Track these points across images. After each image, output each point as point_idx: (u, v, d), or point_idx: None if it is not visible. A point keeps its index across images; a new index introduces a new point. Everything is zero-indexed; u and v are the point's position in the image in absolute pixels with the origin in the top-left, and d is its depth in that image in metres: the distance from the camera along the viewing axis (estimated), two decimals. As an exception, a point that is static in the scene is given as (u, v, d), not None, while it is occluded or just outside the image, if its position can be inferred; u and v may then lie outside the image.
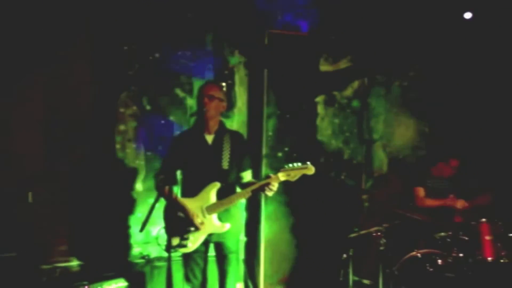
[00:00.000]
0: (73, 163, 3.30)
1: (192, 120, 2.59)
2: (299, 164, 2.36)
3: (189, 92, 3.60)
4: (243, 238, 3.68)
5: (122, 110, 3.47)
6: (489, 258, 2.97)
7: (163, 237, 2.48)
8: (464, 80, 4.05)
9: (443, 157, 3.56)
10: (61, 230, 3.24)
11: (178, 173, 2.61)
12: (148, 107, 3.52)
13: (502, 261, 2.97)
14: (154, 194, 2.37)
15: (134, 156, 3.49)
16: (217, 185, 2.45)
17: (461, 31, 3.92)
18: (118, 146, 3.45)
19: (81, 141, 3.31)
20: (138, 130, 3.49)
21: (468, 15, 3.83)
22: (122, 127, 3.46)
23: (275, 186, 2.35)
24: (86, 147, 3.33)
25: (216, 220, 2.45)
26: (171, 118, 3.57)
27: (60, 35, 3.23)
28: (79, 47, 3.31)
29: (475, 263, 2.98)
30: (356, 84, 3.99)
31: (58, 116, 3.26)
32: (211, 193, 2.45)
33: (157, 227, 2.57)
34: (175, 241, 2.43)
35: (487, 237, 3.00)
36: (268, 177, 2.40)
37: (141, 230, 2.18)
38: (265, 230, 3.63)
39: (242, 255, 3.66)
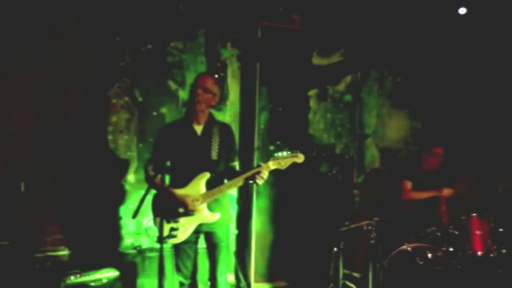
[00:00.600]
0: (64, 153, 3.29)
1: (185, 110, 2.58)
2: (289, 152, 2.37)
3: (181, 84, 3.59)
4: (234, 231, 3.69)
5: (114, 101, 3.46)
6: (479, 253, 3.00)
7: (153, 228, 2.48)
8: (457, 75, 4.07)
9: (425, 148, 3.58)
10: (53, 220, 3.24)
11: (168, 163, 2.60)
12: (140, 99, 3.52)
13: (491, 255, 2.99)
14: (145, 186, 2.37)
15: (125, 147, 3.49)
16: (206, 175, 2.45)
17: (454, 26, 3.93)
18: (110, 137, 3.45)
19: (73, 132, 3.31)
20: (130, 121, 3.49)
21: (462, 11, 3.84)
22: (114, 118, 3.45)
23: (265, 174, 2.36)
24: (78, 138, 3.32)
25: (206, 210, 2.45)
26: (163, 110, 3.57)
27: (53, 25, 3.21)
28: (71, 38, 3.30)
29: (465, 257, 3.00)
30: (349, 78, 3.99)
31: (49, 107, 3.25)
32: (201, 183, 2.45)
33: (147, 218, 2.56)
34: (165, 231, 2.42)
35: (477, 232, 3.03)
36: (258, 166, 2.40)
37: (134, 217, 2.17)
38: (256, 223, 3.64)
39: (233, 248, 3.68)
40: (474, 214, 3.06)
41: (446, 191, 3.43)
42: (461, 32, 3.95)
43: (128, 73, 3.46)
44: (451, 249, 3.03)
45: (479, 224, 3.03)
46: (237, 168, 2.62)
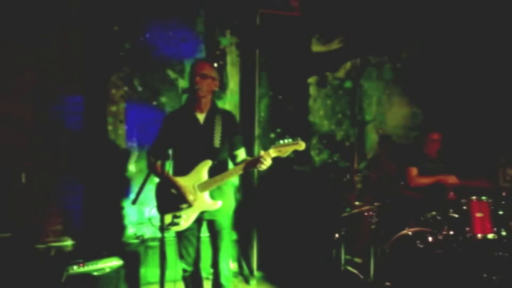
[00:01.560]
0: (65, 144, 3.29)
1: (184, 97, 2.56)
2: (290, 140, 2.35)
3: (181, 73, 3.57)
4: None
5: (113, 91, 3.44)
6: (479, 235, 3.01)
7: (156, 217, 2.49)
8: (456, 61, 4.06)
9: (423, 135, 3.59)
10: (55, 211, 3.25)
11: (170, 151, 2.60)
12: (139, 88, 3.50)
13: (491, 237, 3.01)
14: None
15: (126, 137, 3.48)
16: (208, 163, 2.45)
17: (454, 11, 3.91)
18: (110, 127, 3.44)
19: (74, 122, 3.29)
20: (130, 111, 3.48)
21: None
22: (113, 108, 3.44)
23: (267, 161, 2.34)
24: (78, 128, 3.31)
25: (208, 197, 2.46)
26: (163, 99, 3.56)
27: (52, 16, 3.18)
28: (70, 28, 3.26)
29: (465, 240, 3.02)
30: (348, 65, 3.98)
31: (49, 97, 3.23)
32: (203, 171, 2.45)
33: (150, 208, 2.57)
34: (168, 219, 2.43)
35: (477, 214, 3.04)
36: (259, 155, 2.39)
37: (133, 203, 2.17)
38: (258, 210, 3.66)
39: (235, 236, 3.70)
40: (474, 197, 3.07)
41: (451, 179, 3.42)
42: (461, 18, 3.92)
43: (127, 62, 3.44)
44: (451, 232, 3.05)
45: (478, 207, 3.04)
46: (244, 155, 2.60)
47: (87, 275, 2.83)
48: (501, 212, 3.10)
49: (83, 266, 2.84)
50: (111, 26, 3.37)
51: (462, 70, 4.07)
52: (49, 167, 3.23)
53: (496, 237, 3.01)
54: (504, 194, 3.19)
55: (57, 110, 3.26)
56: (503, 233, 3.04)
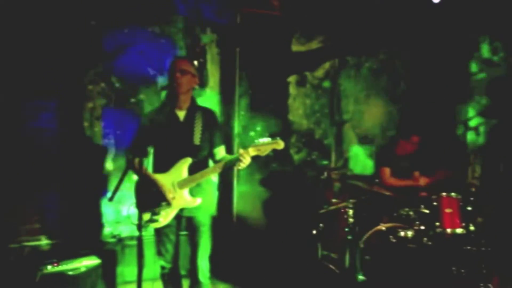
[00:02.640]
0: (40, 141, 3.20)
1: (163, 93, 2.55)
2: (269, 139, 2.38)
3: (160, 69, 3.54)
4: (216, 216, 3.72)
5: (90, 87, 3.37)
6: (448, 230, 3.13)
7: (135, 215, 2.47)
8: (432, 62, 4.19)
9: (404, 135, 3.71)
10: (29, 210, 3.17)
11: (149, 149, 2.58)
12: (117, 85, 3.45)
13: (460, 232, 3.15)
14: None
15: (102, 134, 3.42)
16: (188, 160, 2.45)
17: (430, 14, 4.04)
18: (86, 124, 3.37)
19: (49, 119, 3.21)
20: (107, 108, 3.42)
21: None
22: (90, 105, 3.38)
23: (246, 160, 2.37)
24: (53, 124, 3.23)
25: (188, 195, 2.45)
26: (141, 96, 3.52)
27: (26, 9, 3.08)
28: (46, 22, 3.17)
29: (435, 235, 3.14)
30: (327, 65, 4.06)
31: (22, 93, 3.13)
32: (183, 169, 2.45)
33: (127, 206, 2.55)
34: (146, 216, 2.42)
35: (447, 210, 3.16)
36: (239, 153, 2.41)
37: (110, 199, 2.15)
38: (237, 208, 3.68)
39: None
40: (444, 193, 3.20)
41: (422, 180, 3.56)
42: (436, 20, 4.06)
43: (104, 58, 3.38)
44: (422, 227, 3.16)
45: (448, 203, 3.16)
46: (224, 152, 2.61)
47: (62, 275, 2.77)
48: (469, 208, 3.23)
49: (57, 265, 2.78)
50: (87, 21, 3.30)
51: (435, 70, 4.22)
52: (23, 165, 3.13)
53: (464, 231, 3.13)
54: (472, 190, 3.34)
55: (30, 106, 3.17)
56: (471, 228, 3.17)
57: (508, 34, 3.74)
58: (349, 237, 3.22)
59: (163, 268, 2.62)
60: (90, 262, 2.89)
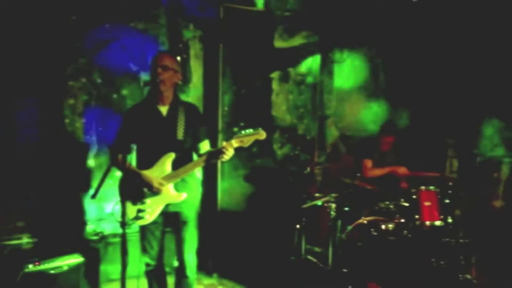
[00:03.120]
0: (21, 138, 3.13)
1: (146, 90, 2.53)
2: (251, 130, 2.40)
3: (142, 65, 3.50)
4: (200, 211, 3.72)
5: (71, 83, 3.31)
6: (427, 222, 3.22)
7: (119, 213, 2.45)
8: (415, 59, 4.28)
9: (382, 133, 3.80)
10: (10, 208, 3.10)
11: (133, 145, 2.56)
12: (98, 80, 3.40)
13: (438, 224, 3.25)
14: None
15: (84, 130, 3.37)
16: (172, 155, 2.45)
17: (410, 12, 4.12)
18: (67, 120, 3.32)
19: (29, 115, 3.14)
20: (89, 104, 3.37)
21: (415, -2, 4.04)
22: (71, 101, 3.32)
23: (229, 151, 2.38)
24: (34, 121, 3.17)
25: (173, 190, 2.46)
26: (124, 92, 3.48)
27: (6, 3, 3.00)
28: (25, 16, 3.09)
29: (414, 227, 3.23)
30: (309, 61, 4.09)
31: (3, 89, 3.05)
32: (167, 164, 2.44)
33: (111, 204, 2.53)
34: (132, 213, 2.41)
35: (426, 203, 3.26)
36: (222, 146, 2.43)
37: (93, 197, 2.13)
38: (221, 203, 3.69)
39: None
40: (422, 187, 3.29)
41: (402, 170, 3.65)
42: (417, 18, 4.14)
43: (85, 53, 3.33)
44: (402, 220, 3.25)
45: (427, 196, 3.26)
46: (209, 147, 2.61)
47: (44, 274, 2.73)
48: (447, 201, 3.34)
49: (39, 264, 2.74)
50: (68, 15, 3.23)
51: (416, 67, 4.31)
52: (2, 163, 3.06)
53: (443, 224, 3.24)
54: (450, 184, 3.45)
55: (8, 102, 3.09)
56: (449, 220, 3.28)
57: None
58: (332, 231, 3.28)
59: (147, 265, 2.62)
60: (72, 260, 2.85)
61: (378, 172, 3.71)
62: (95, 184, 3.36)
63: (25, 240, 3.10)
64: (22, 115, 3.15)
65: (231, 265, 3.69)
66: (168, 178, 2.43)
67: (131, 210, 2.42)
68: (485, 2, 3.71)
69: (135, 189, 2.40)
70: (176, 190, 2.46)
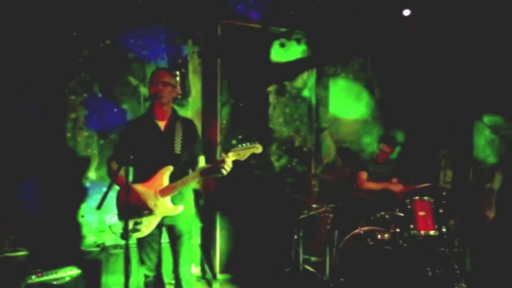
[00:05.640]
0: (21, 151, 3.21)
1: (147, 105, 2.61)
2: (248, 144, 2.45)
3: (142, 80, 3.61)
4: (199, 224, 3.78)
5: (72, 97, 3.41)
6: (422, 232, 3.28)
7: (117, 225, 2.50)
8: (406, 73, 4.39)
9: (381, 142, 3.86)
10: (10, 220, 3.16)
11: (132, 158, 2.62)
12: (99, 95, 3.49)
13: (433, 234, 3.30)
14: (108, 182, 2.35)
15: (86, 144, 3.46)
16: (170, 168, 2.50)
17: (402, 26, 4.24)
18: (68, 134, 3.40)
19: (31, 129, 3.23)
20: (90, 118, 3.46)
21: (406, 12, 4.17)
22: (72, 115, 3.41)
23: (227, 165, 2.41)
24: (35, 135, 3.25)
25: (169, 203, 2.51)
26: (124, 106, 3.57)
27: (8, 19, 3.11)
28: (27, 32, 3.20)
29: (409, 237, 3.28)
30: (305, 75, 4.19)
31: (4, 103, 3.14)
32: (164, 177, 2.50)
33: (110, 215, 2.58)
34: (129, 226, 2.46)
35: (420, 213, 3.31)
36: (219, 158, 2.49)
37: (98, 208, 2.17)
38: (220, 215, 3.75)
39: (198, 240, 3.76)
40: (417, 197, 3.35)
41: (397, 188, 3.71)
42: (409, 32, 4.26)
43: (86, 68, 3.43)
44: (398, 230, 3.30)
45: (421, 206, 3.32)
46: (204, 162, 2.66)
47: (47, 285, 2.78)
48: (441, 211, 3.40)
49: (42, 276, 2.79)
50: (69, 32, 3.35)
51: (407, 81, 4.42)
52: (4, 175, 3.13)
53: (437, 233, 3.29)
54: (444, 194, 3.50)
55: (11, 116, 3.18)
56: (444, 230, 3.33)
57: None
58: (329, 241, 3.33)
59: (146, 276, 2.66)
60: (74, 271, 2.90)
61: (373, 186, 3.78)
62: (95, 196, 3.43)
63: (22, 252, 3.15)
64: (25, 128, 3.22)
65: (231, 276, 3.73)
66: (165, 190, 2.49)
67: (128, 222, 2.46)
68: (476, 16, 3.83)
69: (132, 204, 2.44)
70: (173, 203, 2.51)
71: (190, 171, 2.64)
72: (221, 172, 2.42)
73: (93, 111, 3.46)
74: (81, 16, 3.36)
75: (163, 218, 2.53)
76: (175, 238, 2.60)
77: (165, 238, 2.65)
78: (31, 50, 3.21)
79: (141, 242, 2.60)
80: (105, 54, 3.47)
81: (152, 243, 2.60)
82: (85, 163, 3.47)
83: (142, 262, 2.63)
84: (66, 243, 3.30)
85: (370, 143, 4.08)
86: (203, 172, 2.48)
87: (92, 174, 3.49)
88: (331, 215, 3.38)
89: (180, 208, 2.51)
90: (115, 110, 3.53)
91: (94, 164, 3.50)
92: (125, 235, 2.24)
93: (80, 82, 3.42)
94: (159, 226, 2.55)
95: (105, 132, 3.50)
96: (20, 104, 3.21)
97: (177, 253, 2.61)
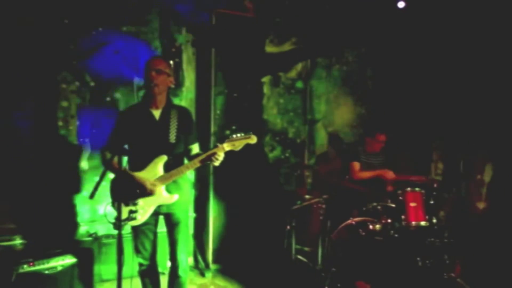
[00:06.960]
0: (15, 139, 3.16)
1: (141, 93, 2.58)
2: (243, 134, 2.46)
3: (135, 68, 3.56)
4: (192, 214, 3.78)
5: (63, 86, 3.36)
6: (413, 223, 3.32)
7: (112, 214, 2.49)
8: (401, 65, 4.41)
9: (369, 133, 3.89)
10: (3, 209, 3.12)
11: (126, 147, 2.61)
12: (92, 83, 3.44)
13: (423, 224, 3.35)
14: (100, 172, 2.30)
15: (77, 133, 3.42)
16: (164, 158, 2.50)
17: (395, 18, 4.25)
18: (60, 123, 3.36)
19: (22, 118, 3.18)
20: (82, 107, 3.42)
21: (401, 4, 4.17)
22: (64, 104, 3.36)
23: (221, 155, 2.43)
24: (27, 124, 3.20)
25: (165, 191, 2.51)
26: (117, 95, 3.53)
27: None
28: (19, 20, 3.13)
29: (401, 227, 3.33)
30: (299, 66, 4.19)
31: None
32: (159, 166, 2.50)
33: (104, 205, 2.57)
34: (124, 214, 2.44)
35: (411, 204, 3.36)
36: (214, 147, 2.49)
37: (91, 197, 2.16)
38: (213, 205, 3.75)
39: (191, 230, 3.77)
40: (408, 188, 3.39)
41: (389, 175, 3.75)
42: (402, 24, 4.27)
43: (78, 57, 3.37)
44: (389, 221, 3.35)
45: (413, 197, 3.36)
46: (198, 150, 2.67)
47: (38, 274, 2.76)
48: (432, 202, 3.44)
49: (33, 265, 2.77)
50: (61, 19, 3.28)
51: (401, 73, 4.44)
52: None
53: (428, 224, 3.33)
54: (435, 185, 3.55)
55: (2, 105, 3.12)
56: (434, 221, 3.38)
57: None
58: (321, 231, 3.37)
59: (141, 265, 2.66)
60: (66, 261, 2.89)
61: (366, 174, 3.81)
62: (87, 185, 3.40)
63: (18, 241, 3.13)
64: (17, 117, 3.17)
65: (223, 265, 3.75)
66: (160, 179, 2.49)
67: (123, 211, 2.45)
68: (470, 13, 3.85)
69: (127, 191, 2.45)
70: (168, 192, 2.52)
71: (185, 160, 2.63)
72: (213, 162, 2.43)
73: (85, 99, 3.41)
74: (74, 3, 3.29)
75: (159, 206, 2.53)
76: (173, 226, 2.61)
77: (160, 228, 2.66)
78: (21, 38, 3.15)
79: (136, 230, 2.60)
80: (98, 41, 3.41)
81: (147, 232, 2.60)
82: (78, 152, 3.43)
83: (137, 251, 2.62)
84: (60, 232, 3.27)
85: (362, 134, 4.10)
86: (197, 162, 2.49)
87: (84, 164, 3.46)
88: (324, 206, 3.40)
89: (175, 197, 2.52)
90: (108, 99, 3.49)
91: (86, 153, 3.46)
92: (118, 222, 2.23)
93: (72, 70, 3.36)
94: (155, 215, 2.55)
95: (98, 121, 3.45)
96: (12, 93, 3.15)
97: (174, 241, 2.61)
